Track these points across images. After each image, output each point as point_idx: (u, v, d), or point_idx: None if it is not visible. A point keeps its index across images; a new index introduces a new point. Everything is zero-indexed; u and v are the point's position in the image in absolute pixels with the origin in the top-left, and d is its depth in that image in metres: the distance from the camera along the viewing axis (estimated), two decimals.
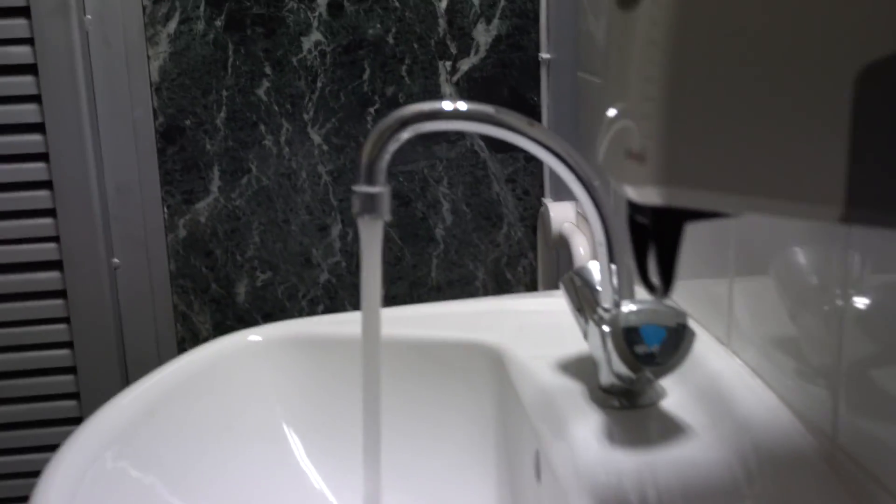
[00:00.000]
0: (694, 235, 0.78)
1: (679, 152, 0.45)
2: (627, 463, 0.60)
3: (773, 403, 0.62)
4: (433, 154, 1.31)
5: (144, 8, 1.23)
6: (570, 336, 0.81)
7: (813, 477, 0.54)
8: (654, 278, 0.51)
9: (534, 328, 0.85)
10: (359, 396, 0.76)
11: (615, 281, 0.68)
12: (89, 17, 1.21)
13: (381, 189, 0.64)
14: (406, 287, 1.35)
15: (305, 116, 1.29)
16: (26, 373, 1.29)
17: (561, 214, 1.19)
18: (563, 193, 1.26)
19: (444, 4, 1.27)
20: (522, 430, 0.75)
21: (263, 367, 0.87)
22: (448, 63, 1.29)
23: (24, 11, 1.19)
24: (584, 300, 0.72)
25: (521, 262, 1.36)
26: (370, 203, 0.64)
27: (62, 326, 1.28)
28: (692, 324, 0.65)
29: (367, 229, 0.65)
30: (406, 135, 0.64)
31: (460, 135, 1.31)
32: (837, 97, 0.45)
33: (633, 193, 0.48)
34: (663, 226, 0.50)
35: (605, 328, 0.65)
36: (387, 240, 1.33)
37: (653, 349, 0.62)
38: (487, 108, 0.66)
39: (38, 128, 1.22)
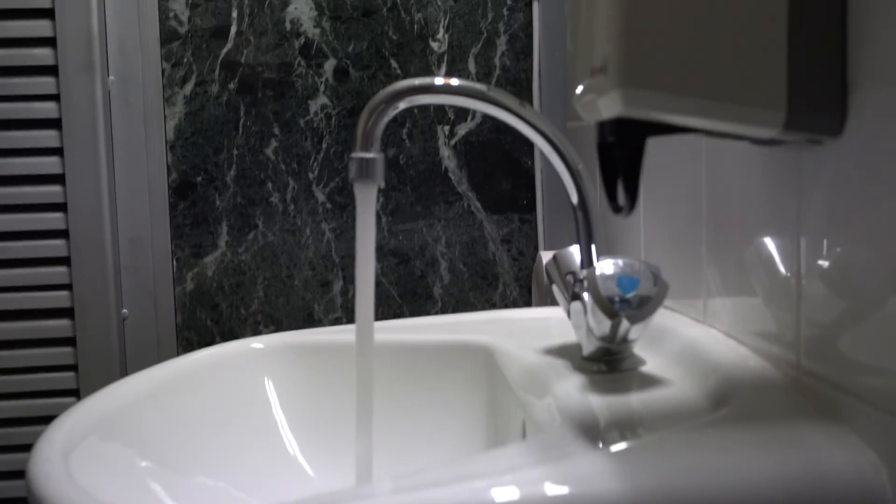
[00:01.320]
0: (664, 219, 0.83)
1: (635, 56, 0.51)
2: (599, 401, 0.63)
3: (744, 352, 0.66)
4: (432, 214, 1.38)
5: (164, 70, 1.32)
6: (557, 333, 0.85)
7: (780, 395, 0.58)
8: (621, 199, 0.56)
9: (523, 330, 0.89)
10: (352, 397, 0.80)
11: (593, 254, 0.73)
12: (112, 77, 1.30)
13: (375, 155, 0.70)
14: None
15: (310, 175, 1.36)
16: (33, 420, 1.32)
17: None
18: (557, 246, 1.31)
19: (442, 72, 1.36)
20: (510, 409, 0.78)
21: (263, 370, 0.90)
22: (446, 128, 1.37)
23: (52, 70, 1.27)
24: (565, 278, 0.76)
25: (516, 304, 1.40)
26: (365, 168, 0.70)
27: (70, 374, 1.32)
28: (671, 315, 0.69)
29: (362, 193, 0.70)
30: (402, 105, 0.70)
31: (457, 196, 1.38)
32: (776, 12, 0.51)
33: (600, 107, 0.54)
34: (627, 140, 0.55)
35: (585, 292, 0.69)
36: (385, 297, 1.38)
37: (628, 296, 0.66)
38: (479, 86, 0.72)
39: (59, 179, 1.29)
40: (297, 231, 1.37)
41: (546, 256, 1.25)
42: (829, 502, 0.48)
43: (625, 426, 0.57)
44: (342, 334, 0.93)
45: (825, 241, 0.54)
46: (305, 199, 1.36)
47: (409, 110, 1.36)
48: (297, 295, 1.37)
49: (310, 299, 1.38)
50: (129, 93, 1.31)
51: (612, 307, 0.66)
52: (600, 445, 0.52)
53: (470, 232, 1.39)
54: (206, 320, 1.37)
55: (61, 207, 1.30)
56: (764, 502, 0.48)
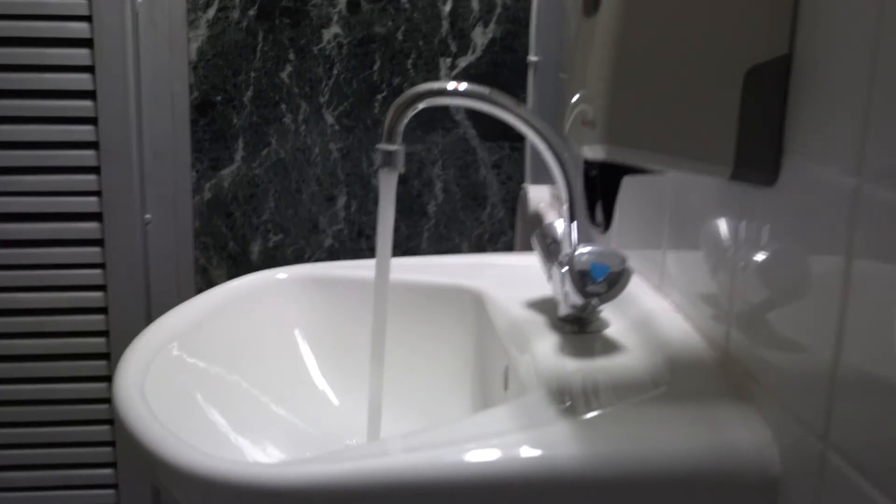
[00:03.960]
0: (638, 208, 0.97)
1: (617, 123, 0.64)
2: (571, 364, 0.79)
3: (687, 329, 0.82)
4: (430, 139, 1.50)
5: None
6: (537, 283, 1.00)
7: (709, 375, 0.74)
8: (599, 218, 0.71)
9: (509, 277, 1.04)
10: (364, 324, 0.95)
11: (574, 234, 0.87)
12: (140, 0, 1.40)
13: (397, 147, 0.83)
14: (399, 255, 1.54)
15: (321, 99, 1.47)
16: (62, 311, 1.47)
17: (538, 196, 1.38)
18: (542, 178, 1.45)
19: (447, 7, 1.46)
20: (495, 352, 0.94)
21: (287, 298, 1.05)
22: (448, 60, 1.48)
23: None
24: (549, 248, 0.91)
25: (502, 239, 1.55)
26: (389, 158, 0.83)
27: (98, 272, 1.46)
28: (633, 282, 0.84)
29: (385, 179, 0.84)
30: (421, 106, 0.83)
31: (454, 123, 1.50)
32: (732, 88, 0.64)
33: (587, 151, 0.68)
34: (607, 178, 0.69)
35: (564, 269, 0.84)
36: None
37: (599, 281, 0.81)
38: (483, 89, 0.85)
39: (90, 94, 1.40)
40: (307, 149, 1.49)
41: (531, 189, 1.39)
42: (733, 471, 0.64)
43: (589, 395, 0.73)
44: (357, 269, 1.08)
45: (753, 257, 0.69)
46: (316, 121, 1.48)
47: (414, 40, 1.47)
48: (304, 207, 1.51)
49: (316, 212, 1.52)
50: (156, 15, 1.41)
51: (585, 288, 0.81)
52: (569, 414, 0.68)
53: (464, 157, 1.52)
54: (220, 227, 1.51)
55: (92, 121, 1.41)
56: (684, 469, 0.64)
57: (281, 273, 1.07)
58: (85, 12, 1.38)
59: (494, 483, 0.64)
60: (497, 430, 0.68)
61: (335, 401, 1.03)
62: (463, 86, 0.84)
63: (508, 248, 1.56)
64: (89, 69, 1.40)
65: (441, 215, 1.53)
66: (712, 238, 0.77)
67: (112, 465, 1.55)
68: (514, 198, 1.53)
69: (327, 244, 1.53)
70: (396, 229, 1.53)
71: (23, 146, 1.41)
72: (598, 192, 0.69)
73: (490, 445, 0.65)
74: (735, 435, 0.66)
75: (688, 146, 0.65)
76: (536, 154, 1.52)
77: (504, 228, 1.55)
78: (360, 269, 1.08)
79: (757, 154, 0.65)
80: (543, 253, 0.92)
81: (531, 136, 0.87)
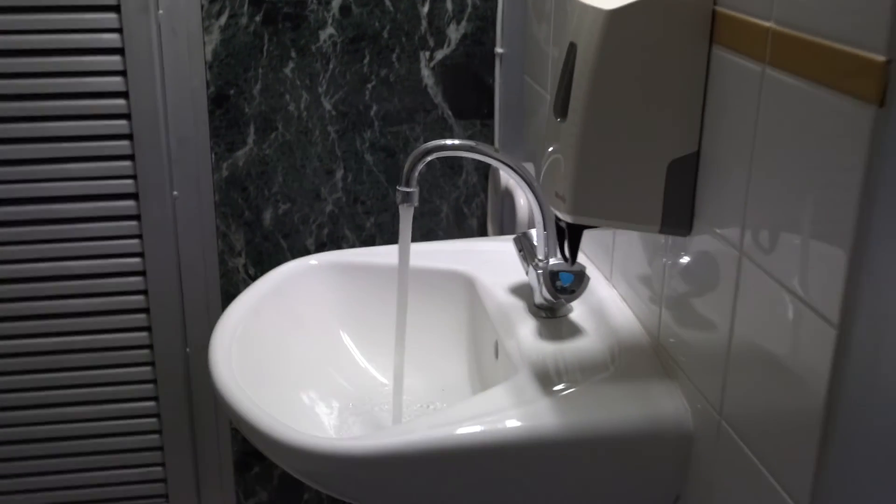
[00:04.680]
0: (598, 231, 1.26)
1: (580, 200, 0.93)
2: (548, 347, 1.09)
3: (630, 316, 1.12)
4: (413, 119, 1.77)
5: (202, 6, 1.65)
6: (513, 269, 1.29)
7: (646, 357, 1.05)
8: (567, 254, 1.00)
9: (492, 262, 1.33)
10: (380, 300, 1.25)
11: (545, 244, 1.17)
12: (161, 12, 1.62)
13: (413, 189, 1.11)
14: (389, 217, 1.83)
15: (319, 89, 1.72)
16: (107, 275, 1.74)
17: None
18: (508, 149, 1.72)
19: (426, 9, 1.71)
20: (486, 328, 1.24)
21: (319, 281, 1.34)
22: (427, 53, 1.73)
23: (115, 8, 1.59)
24: (528, 252, 1.20)
25: (475, 201, 1.84)
26: (407, 197, 1.11)
27: (135, 241, 1.73)
28: (589, 270, 1.14)
29: (404, 213, 1.12)
30: (428, 159, 1.11)
31: (434, 105, 1.77)
32: (659, 175, 0.93)
33: (560, 215, 0.96)
34: (573, 230, 0.98)
35: (539, 272, 1.14)
36: (376, 182, 1.80)
37: (566, 285, 1.11)
38: (471, 142, 1.12)
39: (123, 94, 1.64)
40: (309, 132, 1.75)
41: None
42: (659, 432, 0.96)
43: (562, 375, 1.04)
44: (376, 256, 1.36)
45: (674, 277, 0.99)
46: (315, 108, 1.74)
47: (397, 37, 1.72)
48: (307, 180, 1.78)
49: (318, 183, 1.78)
50: (176, 24, 1.64)
51: (555, 291, 1.11)
52: (548, 393, 0.99)
53: (442, 133, 1.79)
54: (237, 199, 1.77)
55: (126, 117, 1.65)
56: (629, 430, 0.96)
57: (313, 260, 1.36)
58: (116, 25, 1.60)
59: (496, 447, 0.95)
60: (497, 407, 0.98)
61: (363, 362, 1.33)
62: (457, 142, 1.12)
63: (481, 207, 1.84)
64: (122, 73, 1.63)
65: (424, 182, 1.81)
66: (647, 260, 1.08)
67: (156, 425, 1.84)
68: (484, 166, 1.81)
69: (328, 210, 1.80)
70: (385, 196, 1.81)
71: (68, 139, 1.66)
72: (566, 238, 0.98)
73: (492, 420, 0.96)
74: (663, 405, 0.98)
75: (630, 215, 0.94)
76: (504, 129, 1.80)
77: (477, 191, 1.83)
78: (376, 256, 1.36)
79: (677, 218, 0.95)
80: (522, 254, 1.21)
81: (508, 172, 1.15)
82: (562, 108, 0.95)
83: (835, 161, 0.70)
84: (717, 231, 0.89)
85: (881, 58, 0.64)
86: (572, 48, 0.92)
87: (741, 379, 0.86)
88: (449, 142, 1.11)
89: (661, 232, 0.96)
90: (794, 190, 0.76)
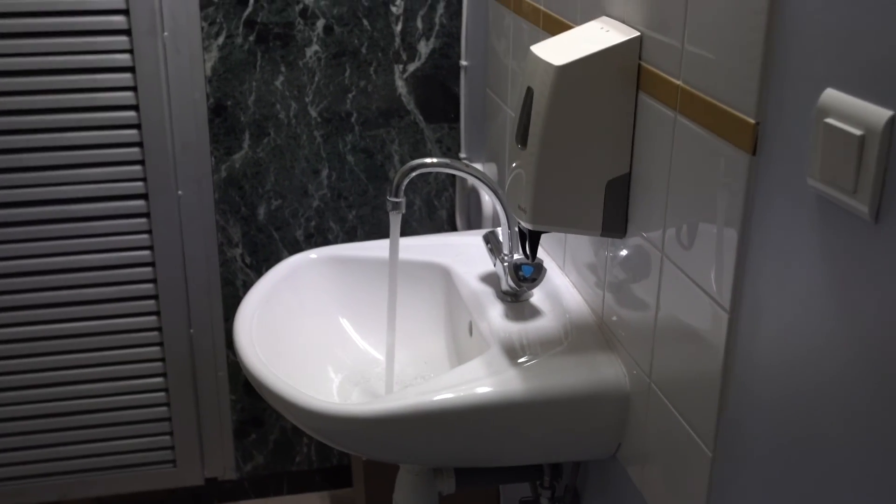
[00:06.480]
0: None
1: (538, 211, 1.18)
2: (513, 327, 1.34)
3: (580, 300, 1.38)
4: (389, 124, 2.00)
5: (202, 28, 1.86)
6: (481, 260, 1.53)
7: (592, 333, 1.30)
8: (528, 253, 1.25)
9: (465, 255, 1.57)
10: (372, 288, 1.49)
11: (510, 241, 1.41)
12: (167, 34, 1.83)
13: (401, 199, 1.35)
14: (369, 210, 2.06)
15: (306, 99, 1.95)
16: (120, 266, 1.96)
17: None
18: (473, 148, 1.97)
19: (399, 28, 1.93)
20: (461, 311, 1.49)
21: (319, 272, 1.57)
22: (401, 66, 1.96)
23: (126, 32, 1.80)
24: (495, 247, 1.45)
25: (444, 195, 2.08)
26: (396, 206, 1.35)
27: (145, 236, 1.95)
28: (546, 262, 1.39)
29: (393, 220, 1.36)
30: (413, 174, 1.34)
31: (407, 112, 2.00)
32: (600, 191, 1.18)
33: (521, 223, 1.21)
34: (533, 234, 1.23)
35: (505, 264, 1.38)
36: (357, 180, 2.03)
37: (527, 276, 1.36)
38: (448, 160, 1.36)
39: (134, 107, 1.85)
40: (297, 137, 1.98)
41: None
42: (603, 393, 1.22)
43: (525, 349, 1.29)
44: (369, 250, 1.59)
45: (615, 267, 1.24)
46: (302, 115, 1.96)
47: (374, 52, 1.95)
48: (296, 179, 2.01)
49: (305, 181, 2.01)
50: (179, 44, 1.85)
51: (518, 280, 1.36)
52: (515, 364, 1.24)
53: (414, 135, 2.02)
54: (234, 196, 2.00)
55: (136, 126, 1.87)
56: (577, 394, 1.21)
57: (312, 254, 1.59)
58: (127, 47, 1.81)
59: (473, 409, 1.20)
60: (473, 376, 1.23)
61: (359, 340, 1.57)
62: (436, 160, 1.36)
63: (450, 200, 2.09)
64: (133, 88, 1.84)
65: None
66: (594, 253, 1.33)
67: (164, 398, 2.07)
68: None
69: (315, 205, 2.04)
70: (365, 192, 2.05)
71: (83, 147, 1.87)
72: (528, 240, 1.23)
73: (469, 387, 1.21)
74: (606, 372, 1.23)
75: (577, 223, 1.19)
76: (469, 130, 2.04)
77: (446, 186, 2.07)
78: (366, 250, 1.60)
79: (614, 224, 1.20)
80: (490, 248, 1.46)
81: (478, 184, 1.39)
82: (522, 138, 1.19)
83: (725, 189, 0.95)
84: (644, 235, 1.14)
85: (752, 120, 0.89)
86: (529, 91, 1.16)
87: (665, 350, 1.11)
88: (429, 160, 1.35)
89: (602, 235, 1.21)
90: (697, 207, 1.01)
